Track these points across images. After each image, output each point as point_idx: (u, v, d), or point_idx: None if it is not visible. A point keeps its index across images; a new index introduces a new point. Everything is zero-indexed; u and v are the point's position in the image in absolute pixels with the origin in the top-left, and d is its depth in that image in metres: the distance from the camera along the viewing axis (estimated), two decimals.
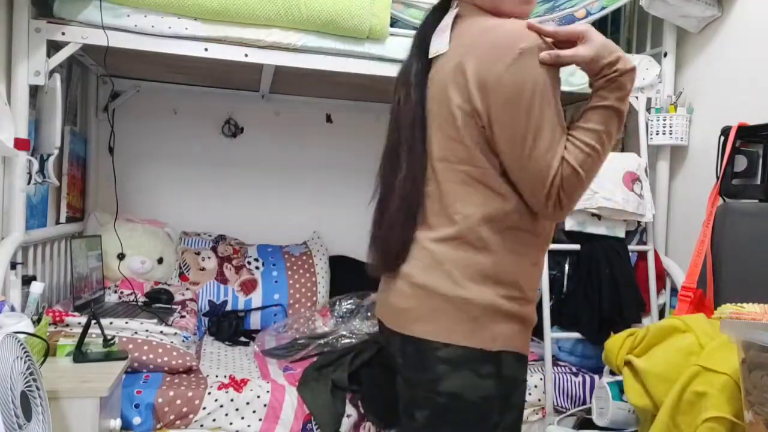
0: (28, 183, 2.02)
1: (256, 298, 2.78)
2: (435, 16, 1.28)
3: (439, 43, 1.21)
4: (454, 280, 1.14)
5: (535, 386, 2.22)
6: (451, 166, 1.16)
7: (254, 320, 2.75)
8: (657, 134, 2.47)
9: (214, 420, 1.89)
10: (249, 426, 1.91)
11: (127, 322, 2.00)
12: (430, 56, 1.23)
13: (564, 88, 2.37)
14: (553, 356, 2.32)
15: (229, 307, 2.74)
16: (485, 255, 1.14)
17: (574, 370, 2.33)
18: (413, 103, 1.21)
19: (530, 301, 1.21)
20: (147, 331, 2.00)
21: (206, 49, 2.13)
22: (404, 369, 1.21)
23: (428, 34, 1.26)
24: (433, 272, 1.16)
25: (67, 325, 1.88)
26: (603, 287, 2.30)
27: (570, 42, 1.13)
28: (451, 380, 1.13)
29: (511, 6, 1.22)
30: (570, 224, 2.37)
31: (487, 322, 1.13)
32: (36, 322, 1.61)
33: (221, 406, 1.89)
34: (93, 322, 1.69)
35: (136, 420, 1.82)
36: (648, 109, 2.53)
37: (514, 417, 1.18)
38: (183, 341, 2.09)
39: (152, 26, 2.05)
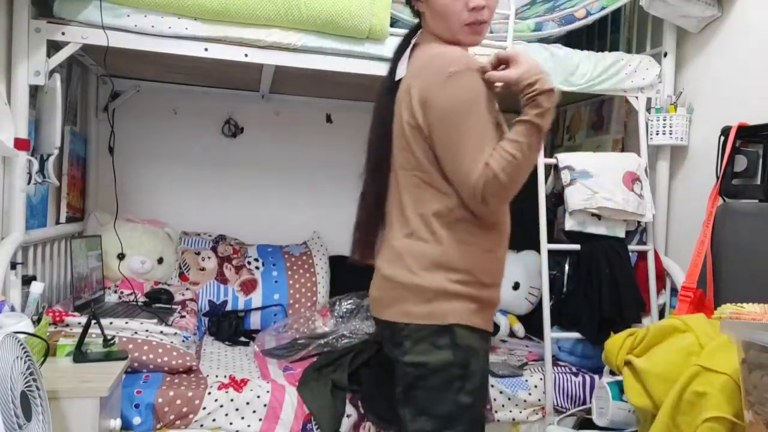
0: (28, 183, 2.02)
1: (256, 298, 2.78)
2: (403, 43, 1.51)
3: (401, 69, 1.45)
4: (411, 270, 1.35)
5: (535, 386, 2.22)
6: (406, 172, 1.39)
7: (254, 320, 2.75)
8: (657, 134, 2.47)
9: (214, 420, 1.89)
10: (249, 426, 1.91)
11: (127, 322, 2.00)
12: (396, 79, 1.45)
13: (564, 87, 2.39)
14: (553, 356, 2.32)
15: (229, 307, 2.74)
16: (435, 246, 1.35)
17: (574, 370, 2.33)
18: (376, 123, 1.48)
19: (487, 285, 1.38)
20: (147, 331, 2.00)
21: (206, 49, 2.13)
22: (387, 350, 1.45)
23: (397, 59, 1.48)
24: (394, 265, 1.38)
25: (67, 325, 1.88)
26: (603, 287, 2.30)
27: (506, 63, 1.34)
28: (414, 353, 1.35)
29: (463, 37, 1.38)
30: (570, 224, 2.37)
31: (440, 302, 1.33)
32: (36, 322, 1.61)
33: (221, 406, 1.89)
34: (93, 322, 1.69)
35: (136, 420, 1.82)
36: (648, 109, 2.52)
37: (476, 383, 1.35)
38: (183, 341, 2.09)
39: (152, 26, 2.05)
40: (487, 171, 1.26)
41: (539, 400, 2.21)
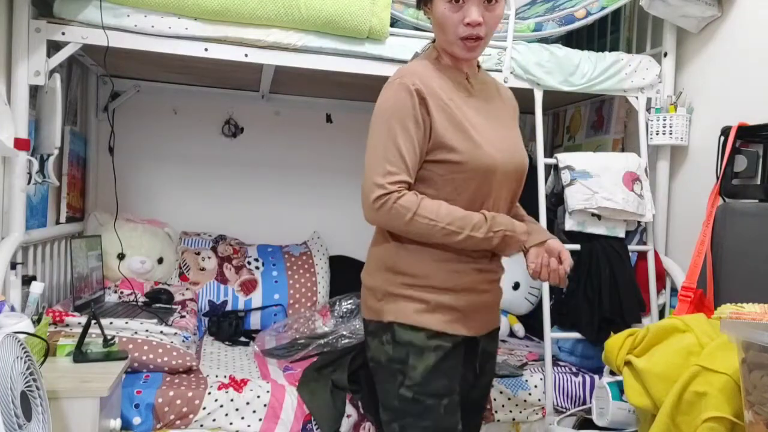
0: (28, 183, 2.02)
1: (256, 298, 2.78)
2: None
3: None
4: (369, 273, 1.48)
5: (535, 386, 2.22)
6: None
7: (254, 320, 2.76)
8: (657, 134, 2.47)
9: (214, 420, 1.89)
10: (249, 426, 1.91)
11: (127, 322, 2.00)
12: None
13: (564, 87, 2.39)
14: (553, 356, 2.32)
15: (229, 307, 2.74)
16: (386, 250, 1.44)
17: (574, 370, 2.33)
18: None
19: (442, 290, 1.40)
20: (147, 331, 2.00)
21: (206, 49, 2.13)
22: None
23: None
24: (366, 269, 1.51)
25: (67, 325, 1.88)
26: (603, 287, 2.30)
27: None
28: (370, 349, 1.47)
29: (458, 50, 1.38)
30: (570, 224, 2.37)
31: (386, 301, 1.42)
32: (36, 322, 1.61)
33: (221, 406, 1.89)
34: (93, 322, 1.69)
35: (136, 420, 1.82)
36: (648, 109, 2.52)
37: (416, 378, 1.39)
38: (183, 341, 2.09)
39: (152, 26, 2.05)
40: (394, 205, 1.31)
41: (539, 400, 2.21)
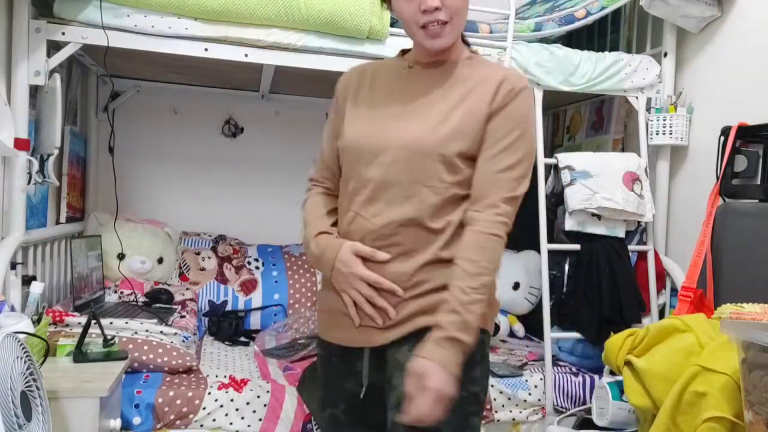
0: (28, 183, 2.02)
1: (256, 298, 2.78)
2: None
3: None
4: None
5: (535, 386, 2.22)
6: None
7: (254, 320, 2.75)
8: (657, 134, 2.47)
9: (214, 420, 1.89)
10: (249, 426, 1.91)
11: (127, 322, 2.00)
12: None
13: (564, 87, 2.39)
14: (553, 356, 2.33)
15: (229, 307, 2.74)
16: None
17: (574, 370, 2.33)
18: None
19: (324, 290, 1.33)
20: (147, 331, 2.00)
21: (206, 49, 2.13)
22: None
23: None
24: None
25: (67, 325, 1.88)
26: (603, 287, 2.30)
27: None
28: None
29: (422, 40, 1.26)
30: (570, 224, 2.37)
31: None
32: (36, 322, 1.61)
33: (221, 406, 1.89)
34: (93, 322, 1.69)
35: (136, 420, 1.83)
36: (648, 109, 2.52)
37: (319, 387, 1.37)
38: (183, 341, 2.09)
39: (152, 26, 2.05)
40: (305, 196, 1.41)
41: (539, 400, 2.21)
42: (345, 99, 1.36)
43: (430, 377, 1.10)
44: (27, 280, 1.96)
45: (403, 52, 1.37)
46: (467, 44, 1.36)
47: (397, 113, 1.27)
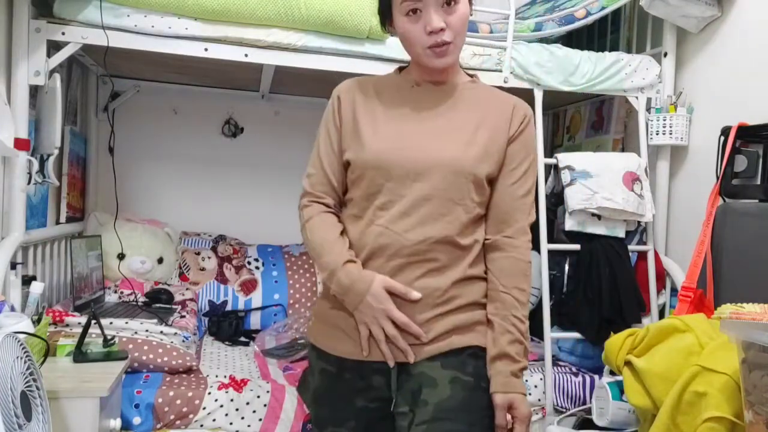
0: (28, 183, 2.02)
1: (256, 298, 2.78)
2: None
3: None
4: None
5: (535, 386, 2.22)
6: None
7: (254, 320, 2.75)
8: (657, 134, 2.47)
9: (214, 420, 1.89)
10: (249, 426, 1.91)
11: (127, 322, 2.00)
12: None
13: (564, 87, 2.39)
14: (553, 356, 2.32)
15: (229, 307, 2.74)
16: None
17: (574, 370, 2.33)
18: None
19: (332, 307, 1.29)
20: (147, 331, 2.00)
21: (206, 49, 2.13)
22: None
23: None
24: None
25: (67, 325, 1.88)
26: (603, 287, 2.30)
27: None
28: None
29: (427, 60, 1.29)
30: (570, 224, 2.37)
31: None
32: (36, 322, 1.61)
33: (221, 406, 1.89)
34: (93, 322, 1.69)
35: (136, 420, 1.82)
36: (648, 109, 2.52)
37: (309, 396, 1.37)
38: (183, 341, 2.09)
39: (152, 26, 2.05)
40: (300, 211, 1.34)
41: (539, 400, 2.21)
42: (353, 111, 1.33)
43: (519, 409, 1.21)
44: (27, 280, 1.96)
45: (399, 69, 1.39)
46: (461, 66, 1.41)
47: (428, 131, 1.29)
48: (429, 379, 1.21)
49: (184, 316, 2.34)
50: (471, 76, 1.38)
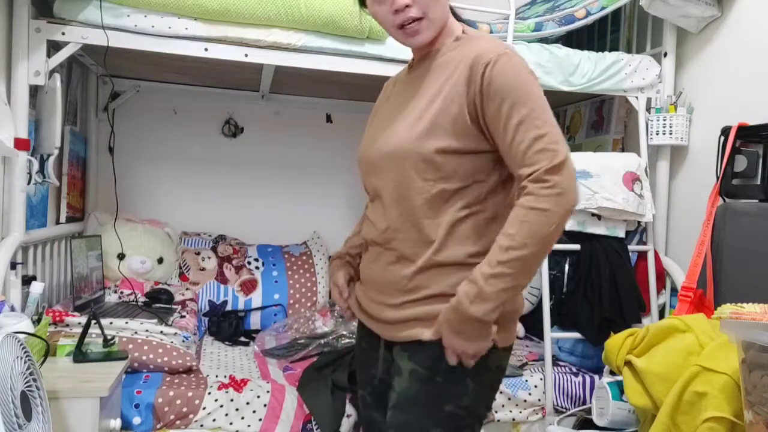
0: (28, 183, 2.02)
1: (256, 298, 2.78)
2: None
3: None
4: None
5: (535, 386, 2.22)
6: None
7: (254, 320, 2.75)
8: (657, 134, 2.47)
9: (214, 420, 1.88)
10: (249, 426, 1.91)
11: (127, 322, 2.00)
12: None
13: (564, 87, 2.39)
14: (553, 356, 2.32)
15: (229, 307, 2.74)
16: None
17: (574, 370, 2.33)
18: None
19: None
20: (147, 331, 2.00)
21: (206, 49, 2.13)
22: None
23: None
24: None
25: (67, 325, 1.88)
26: (603, 287, 2.30)
27: None
28: None
29: (401, 39, 1.26)
30: (570, 224, 2.36)
31: None
32: (36, 322, 1.61)
33: (221, 406, 1.89)
34: (93, 322, 1.69)
35: (136, 420, 1.82)
36: (648, 109, 2.53)
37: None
38: (183, 341, 2.09)
39: (152, 26, 2.05)
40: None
41: (539, 400, 2.21)
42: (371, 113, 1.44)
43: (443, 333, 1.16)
44: (27, 280, 1.96)
45: None
46: (463, 21, 1.32)
47: (389, 120, 1.29)
48: (397, 367, 1.25)
49: (184, 316, 2.34)
50: (464, 31, 1.28)
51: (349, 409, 1.97)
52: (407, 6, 1.17)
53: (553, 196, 1.09)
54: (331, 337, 2.29)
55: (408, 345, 1.23)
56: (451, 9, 1.30)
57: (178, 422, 1.86)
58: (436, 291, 1.20)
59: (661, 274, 2.48)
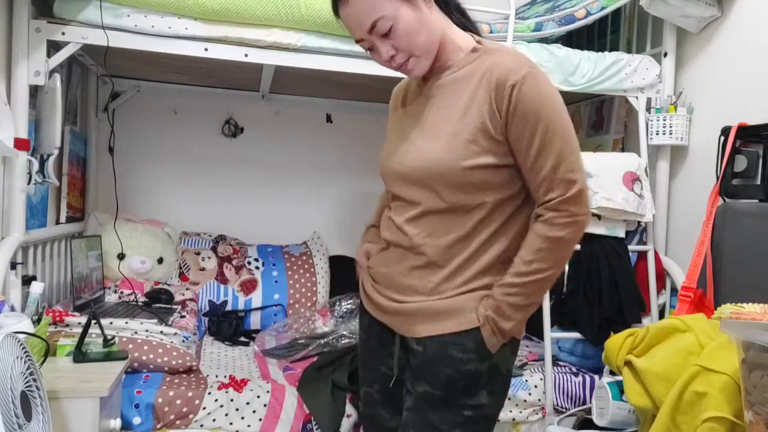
0: (28, 183, 2.02)
1: (256, 298, 2.78)
2: None
3: None
4: None
5: (535, 386, 2.22)
6: None
7: (254, 320, 2.75)
8: (657, 134, 2.47)
9: (214, 420, 1.88)
10: (249, 426, 1.91)
11: (127, 322, 2.00)
12: None
13: (564, 87, 2.39)
14: (553, 356, 2.32)
15: (229, 307, 2.74)
16: None
17: (574, 370, 2.33)
18: None
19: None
20: (147, 331, 2.00)
21: (206, 49, 2.13)
22: None
23: None
24: None
25: (67, 325, 1.88)
26: (603, 287, 2.30)
27: None
28: None
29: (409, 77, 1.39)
30: None
31: None
32: (36, 322, 1.61)
33: (221, 406, 1.89)
34: (93, 322, 1.69)
35: (136, 420, 1.82)
36: (648, 109, 2.53)
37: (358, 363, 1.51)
38: (183, 341, 2.09)
39: (152, 26, 2.05)
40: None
41: (539, 400, 2.21)
42: (389, 119, 1.44)
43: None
44: (27, 280, 1.96)
45: None
46: (471, 30, 1.33)
47: (415, 131, 1.30)
48: (412, 372, 1.29)
49: (184, 316, 2.34)
50: (478, 41, 1.29)
51: (349, 409, 1.97)
52: (392, 57, 1.25)
53: (569, 225, 1.18)
54: (331, 337, 2.29)
55: (427, 341, 1.26)
56: (456, 20, 1.32)
57: (178, 422, 1.86)
58: (464, 289, 1.25)
59: (661, 274, 2.48)
